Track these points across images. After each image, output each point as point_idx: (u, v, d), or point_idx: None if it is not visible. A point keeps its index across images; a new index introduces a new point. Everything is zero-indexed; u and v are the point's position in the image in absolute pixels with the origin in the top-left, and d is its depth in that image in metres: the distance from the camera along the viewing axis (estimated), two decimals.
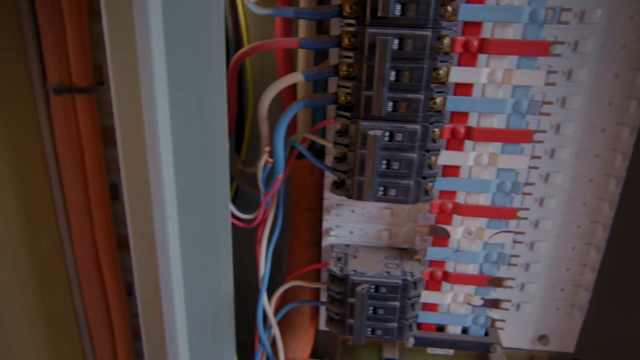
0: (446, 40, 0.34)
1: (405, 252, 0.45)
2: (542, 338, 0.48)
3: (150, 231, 0.37)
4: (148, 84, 0.32)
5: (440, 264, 0.43)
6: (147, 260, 0.38)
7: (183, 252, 0.39)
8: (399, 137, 0.36)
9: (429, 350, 0.48)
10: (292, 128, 0.46)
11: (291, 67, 0.42)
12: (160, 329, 0.41)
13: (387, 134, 0.36)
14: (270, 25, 0.41)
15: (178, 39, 0.33)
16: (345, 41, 0.34)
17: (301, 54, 0.42)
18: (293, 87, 0.43)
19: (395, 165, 0.36)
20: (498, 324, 0.45)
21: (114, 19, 0.30)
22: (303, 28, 0.40)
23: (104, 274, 0.46)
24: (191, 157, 0.37)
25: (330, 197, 0.44)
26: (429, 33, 0.33)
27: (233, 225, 0.43)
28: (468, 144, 0.38)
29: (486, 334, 0.46)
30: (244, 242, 0.47)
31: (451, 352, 0.48)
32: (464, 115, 0.37)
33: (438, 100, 0.36)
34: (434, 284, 0.44)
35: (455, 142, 0.38)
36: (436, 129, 0.37)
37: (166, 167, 0.35)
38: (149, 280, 0.39)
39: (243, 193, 0.48)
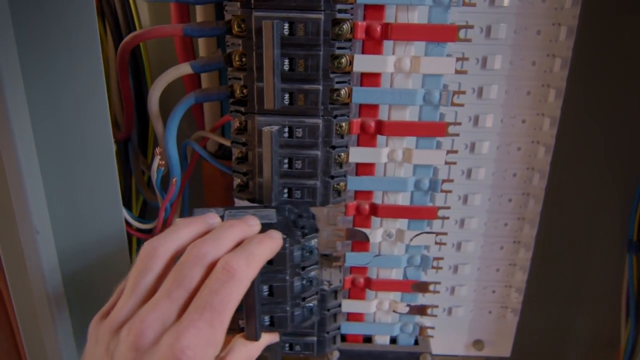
0: (345, 26, 0.31)
1: (326, 259, 0.41)
2: (477, 343, 0.45)
3: (19, 249, 0.32)
4: None
5: (362, 270, 0.40)
6: (20, 280, 0.34)
7: (63, 270, 0.34)
8: (298, 132, 0.32)
9: None
10: (201, 126, 0.42)
11: (192, 57, 0.38)
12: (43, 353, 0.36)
13: (286, 129, 0.32)
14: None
15: (33, 33, 0.29)
16: (235, 27, 0.31)
17: (201, 43, 0.38)
18: (197, 80, 0.39)
19: (298, 164, 0.33)
20: (428, 332, 0.42)
21: None
22: (200, 14, 0.36)
23: (3, 294, 0.41)
24: (64, 165, 0.32)
25: (241, 201, 0.40)
26: (321, 16, 0.29)
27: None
28: (380, 139, 0.35)
29: (416, 342, 0.43)
30: None
31: None
32: (374, 107, 0.34)
33: (342, 91, 0.32)
34: (356, 291, 0.40)
35: (367, 138, 0.35)
36: (343, 123, 0.33)
37: (29, 177, 0.31)
38: (26, 302, 0.35)
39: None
